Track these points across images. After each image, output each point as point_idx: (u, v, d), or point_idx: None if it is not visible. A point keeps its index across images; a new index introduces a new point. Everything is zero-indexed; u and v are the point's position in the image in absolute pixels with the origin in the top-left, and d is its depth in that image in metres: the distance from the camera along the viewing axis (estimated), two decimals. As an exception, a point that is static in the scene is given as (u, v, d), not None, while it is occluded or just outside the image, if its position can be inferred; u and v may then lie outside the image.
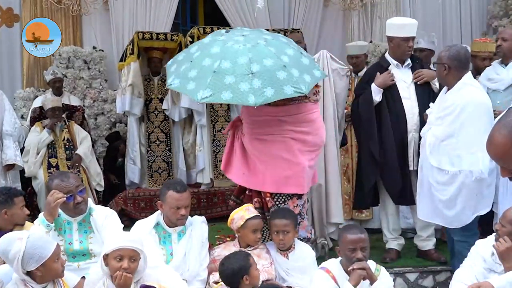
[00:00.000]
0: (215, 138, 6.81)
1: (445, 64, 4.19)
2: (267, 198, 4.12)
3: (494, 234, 3.58)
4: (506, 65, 4.87)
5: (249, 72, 3.75)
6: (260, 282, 3.71)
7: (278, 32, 6.71)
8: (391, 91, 4.76)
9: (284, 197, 4.10)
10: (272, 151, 4.04)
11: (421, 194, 4.42)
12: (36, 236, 3.13)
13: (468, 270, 3.61)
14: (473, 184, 4.12)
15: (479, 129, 4.02)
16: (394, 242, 4.99)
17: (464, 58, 4.26)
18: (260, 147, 4.08)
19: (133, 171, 6.57)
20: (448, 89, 4.29)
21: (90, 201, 3.86)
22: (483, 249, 3.61)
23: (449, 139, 4.16)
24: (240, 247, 3.98)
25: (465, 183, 4.13)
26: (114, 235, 3.25)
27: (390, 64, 4.82)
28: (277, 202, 4.13)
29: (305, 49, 5.50)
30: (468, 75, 4.28)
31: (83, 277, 3.46)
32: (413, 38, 4.77)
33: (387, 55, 4.89)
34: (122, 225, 3.86)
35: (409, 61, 4.84)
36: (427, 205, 4.36)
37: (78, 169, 6.07)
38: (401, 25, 4.73)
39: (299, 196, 4.12)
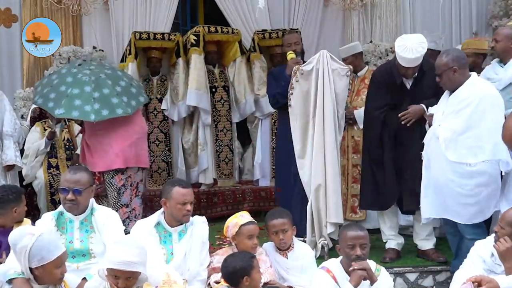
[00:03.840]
0: (217, 138, 6.83)
1: (454, 67, 4.25)
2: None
3: (493, 235, 3.59)
4: (504, 64, 4.88)
5: (92, 97, 5.07)
6: (261, 284, 3.72)
7: (277, 32, 6.82)
8: (391, 96, 4.81)
9: (112, 173, 5.20)
10: (102, 142, 5.23)
11: (427, 193, 4.38)
12: (46, 237, 3.14)
13: (468, 271, 3.61)
14: (499, 175, 4.13)
15: (497, 119, 4.12)
16: (393, 242, 4.98)
17: (464, 55, 4.42)
18: (95, 142, 5.28)
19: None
20: (452, 91, 4.31)
21: (93, 201, 3.87)
22: (483, 250, 3.62)
23: (468, 132, 4.17)
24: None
25: (492, 175, 4.13)
26: (114, 250, 3.21)
27: (402, 80, 4.75)
28: (107, 177, 5.23)
29: (303, 50, 5.49)
30: (474, 73, 4.38)
31: (84, 279, 3.48)
32: (413, 67, 4.67)
33: (397, 64, 4.76)
34: (124, 227, 3.88)
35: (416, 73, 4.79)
36: (436, 203, 4.33)
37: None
38: (401, 57, 4.62)
39: (122, 172, 5.21)
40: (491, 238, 3.62)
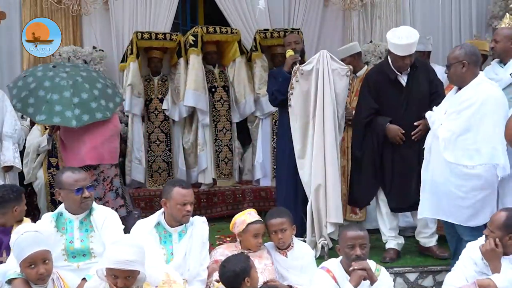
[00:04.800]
0: (217, 138, 6.83)
1: (464, 61, 4.21)
2: None
3: (483, 237, 3.59)
4: (504, 64, 4.87)
5: (72, 103, 5.19)
6: (261, 283, 3.72)
7: (279, 32, 6.83)
8: (385, 96, 4.85)
9: (84, 168, 5.11)
10: (75, 139, 5.36)
11: (424, 193, 4.38)
12: (23, 236, 3.20)
13: (459, 273, 3.62)
14: (496, 180, 4.09)
15: (498, 123, 4.07)
16: (393, 242, 4.99)
17: (478, 53, 4.36)
18: (69, 139, 5.39)
19: (138, 171, 6.60)
20: (459, 88, 4.27)
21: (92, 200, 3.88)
22: (474, 252, 3.61)
23: (467, 134, 4.12)
24: (242, 248, 3.99)
25: (488, 179, 4.08)
26: (112, 250, 3.22)
27: (397, 75, 4.81)
28: None
29: (303, 50, 5.52)
30: (482, 73, 4.34)
31: (84, 279, 3.48)
32: (410, 55, 4.72)
33: (390, 62, 4.85)
34: (123, 226, 3.88)
35: (408, 68, 4.84)
36: (432, 203, 4.32)
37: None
38: (397, 45, 4.69)
39: (94, 167, 5.37)
40: (482, 240, 3.61)
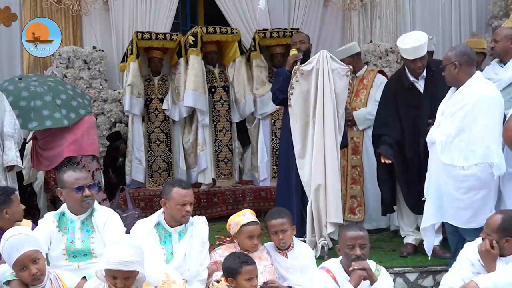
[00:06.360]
0: (216, 138, 6.83)
1: (455, 62, 4.18)
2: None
3: (480, 239, 3.59)
4: (504, 64, 4.87)
5: (56, 105, 5.46)
6: (261, 283, 3.73)
7: (278, 32, 6.83)
8: (405, 104, 4.88)
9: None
10: (55, 139, 5.57)
11: (429, 199, 4.33)
12: (8, 242, 3.20)
13: (456, 274, 3.61)
14: (491, 179, 4.06)
15: (492, 123, 4.04)
16: (411, 237, 5.04)
17: (471, 53, 4.30)
18: (48, 141, 5.60)
19: (138, 171, 6.60)
20: (457, 88, 4.24)
21: (94, 201, 3.88)
22: (471, 253, 3.60)
23: (462, 134, 4.09)
24: (240, 249, 3.99)
25: (482, 178, 4.05)
26: (111, 251, 3.22)
27: (412, 83, 4.84)
28: None
29: (309, 50, 5.47)
30: (478, 72, 4.29)
31: (84, 278, 3.48)
32: (421, 58, 4.74)
33: (406, 69, 4.89)
34: (125, 228, 3.88)
35: (424, 72, 4.85)
36: (435, 207, 4.28)
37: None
38: (403, 50, 4.74)
39: (77, 163, 5.56)
40: (480, 241, 3.60)
